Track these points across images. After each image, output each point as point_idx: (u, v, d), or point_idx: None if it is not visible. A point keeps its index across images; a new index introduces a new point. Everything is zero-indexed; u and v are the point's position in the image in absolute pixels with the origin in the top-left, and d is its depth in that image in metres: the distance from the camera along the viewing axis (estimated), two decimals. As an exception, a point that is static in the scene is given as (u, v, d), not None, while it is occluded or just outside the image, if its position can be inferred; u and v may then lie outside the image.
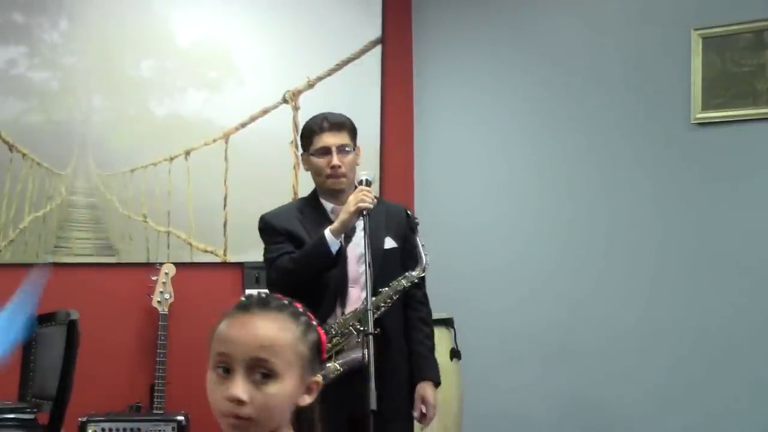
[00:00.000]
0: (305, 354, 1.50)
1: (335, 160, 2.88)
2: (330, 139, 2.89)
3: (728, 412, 3.91)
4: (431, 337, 3.06)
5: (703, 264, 4.03)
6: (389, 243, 2.93)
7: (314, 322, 1.56)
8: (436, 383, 2.97)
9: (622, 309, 4.21)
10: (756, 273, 3.91)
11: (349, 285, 2.88)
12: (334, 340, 2.79)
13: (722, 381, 3.94)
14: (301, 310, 1.55)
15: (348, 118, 2.98)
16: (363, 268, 2.82)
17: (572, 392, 4.32)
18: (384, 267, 2.87)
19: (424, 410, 2.93)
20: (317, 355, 1.53)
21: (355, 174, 2.95)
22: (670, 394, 4.06)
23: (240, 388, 1.45)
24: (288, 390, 1.48)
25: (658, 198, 4.16)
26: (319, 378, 1.53)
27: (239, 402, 1.44)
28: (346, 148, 2.90)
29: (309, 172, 3.01)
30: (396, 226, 2.99)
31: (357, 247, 2.89)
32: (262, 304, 1.52)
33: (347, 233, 2.88)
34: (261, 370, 1.46)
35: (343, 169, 2.89)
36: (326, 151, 2.89)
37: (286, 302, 1.54)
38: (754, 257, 3.92)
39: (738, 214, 3.96)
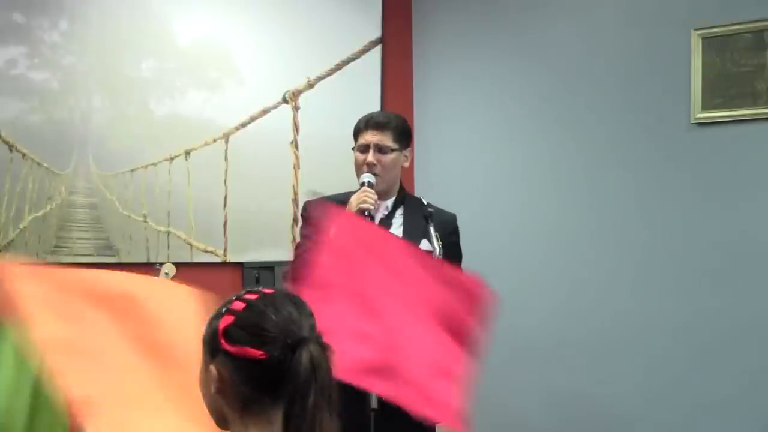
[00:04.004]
0: (204, 338, 1.50)
1: (370, 157, 2.92)
2: (370, 137, 2.95)
3: (723, 408, 3.92)
4: None
5: (702, 263, 4.03)
6: (425, 245, 2.93)
7: (227, 310, 1.48)
8: None
9: (620, 307, 4.21)
10: (755, 272, 3.91)
11: None
12: None
13: (717, 376, 3.94)
14: (233, 299, 1.51)
15: (395, 119, 3.01)
16: None
17: (569, 389, 4.32)
18: None
19: None
20: (212, 342, 1.47)
21: (396, 175, 3.01)
22: (668, 391, 4.06)
23: None
24: (200, 374, 1.51)
25: (657, 197, 4.16)
26: (212, 367, 1.46)
27: None
28: (384, 148, 2.94)
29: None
30: (439, 234, 2.96)
31: None
32: None
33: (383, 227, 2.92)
34: None
35: (377, 168, 2.92)
36: (365, 148, 2.95)
37: (239, 293, 1.53)
38: (754, 256, 3.92)
39: (738, 213, 3.96)
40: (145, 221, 4.29)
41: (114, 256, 4.24)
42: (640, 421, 4.11)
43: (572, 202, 4.39)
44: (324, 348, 1.48)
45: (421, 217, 2.94)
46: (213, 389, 1.45)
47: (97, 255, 4.21)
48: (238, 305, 1.48)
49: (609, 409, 4.20)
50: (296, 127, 4.55)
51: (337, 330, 1.62)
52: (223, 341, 1.45)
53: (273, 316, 1.46)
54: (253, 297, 1.49)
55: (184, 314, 2.02)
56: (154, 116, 4.31)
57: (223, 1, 4.46)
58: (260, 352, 1.43)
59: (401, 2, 4.87)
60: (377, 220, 2.93)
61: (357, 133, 3.00)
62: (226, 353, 1.44)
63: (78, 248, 4.17)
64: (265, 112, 4.51)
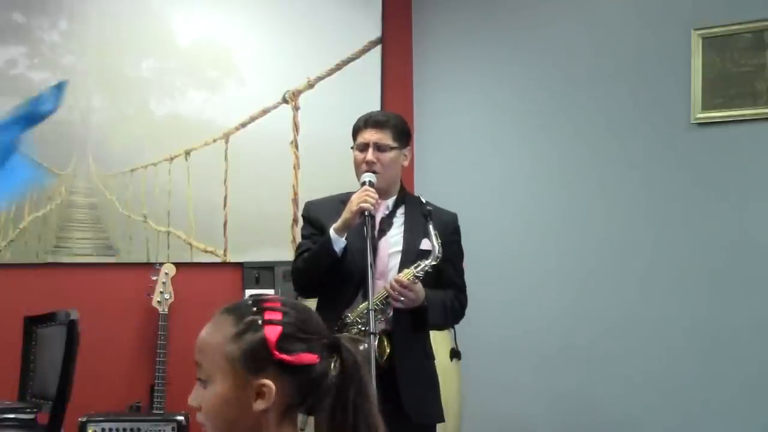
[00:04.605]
0: (236, 355, 1.41)
1: (369, 155, 2.92)
2: (369, 136, 2.95)
3: (732, 409, 3.91)
4: (456, 303, 3.02)
5: (702, 263, 4.03)
6: (425, 245, 2.93)
7: (266, 321, 1.43)
8: (424, 305, 2.88)
9: (621, 308, 4.21)
10: (756, 272, 3.91)
11: (376, 277, 2.86)
12: (353, 330, 2.80)
13: (725, 378, 3.94)
14: (255, 309, 1.45)
15: (394, 118, 3.03)
16: (393, 262, 2.90)
17: (572, 391, 4.32)
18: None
19: (396, 284, 2.82)
20: (258, 356, 1.41)
21: (396, 173, 3.00)
22: (669, 391, 4.06)
23: (192, 394, 1.46)
24: (219, 393, 1.42)
25: (657, 198, 4.16)
26: (267, 381, 1.40)
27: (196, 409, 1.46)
28: (383, 147, 2.94)
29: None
30: (440, 233, 2.96)
31: (391, 242, 2.94)
32: (223, 308, 1.49)
33: (383, 227, 2.94)
34: (199, 375, 1.46)
35: (377, 166, 2.92)
36: (364, 146, 2.95)
37: (248, 302, 1.47)
38: (755, 256, 3.92)
39: (738, 213, 3.96)
40: (145, 221, 4.29)
41: (114, 256, 4.24)
42: (647, 424, 4.10)
43: (571, 203, 4.39)
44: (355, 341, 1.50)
45: (421, 216, 2.94)
46: (262, 405, 1.40)
47: (97, 255, 4.21)
48: (275, 315, 1.44)
49: (616, 413, 4.19)
50: (296, 127, 4.55)
51: None
52: (276, 352, 1.40)
53: (308, 320, 1.46)
54: (278, 304, 1.47)
55: None
56: (154, 116, 4.31)
57: (223, 1, 4.46)
58: (314, 357, 1.42)
59: (401, 2, 4.87)
60: (378, 219, 2.93)
61: (356, 131, 3.00)
62: (280, 364, 1.41)
63: (78, 248, 4.16)
64: (265, 112, 4.51)
